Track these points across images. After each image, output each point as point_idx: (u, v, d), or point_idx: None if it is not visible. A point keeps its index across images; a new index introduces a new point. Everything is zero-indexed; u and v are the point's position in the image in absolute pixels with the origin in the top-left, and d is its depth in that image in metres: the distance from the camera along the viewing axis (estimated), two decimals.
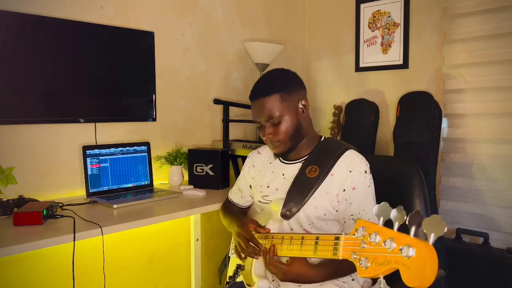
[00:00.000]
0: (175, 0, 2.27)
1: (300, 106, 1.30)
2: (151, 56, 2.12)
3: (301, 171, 1.30)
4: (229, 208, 1.60)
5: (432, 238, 0.69)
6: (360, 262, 0.80)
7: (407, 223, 0.74)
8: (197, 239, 2.29)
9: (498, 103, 2.20)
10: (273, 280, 1.32)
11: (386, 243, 0.76)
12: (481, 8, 2.21)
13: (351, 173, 1.25)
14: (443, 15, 2.38)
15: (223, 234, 2.40)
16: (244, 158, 2.37)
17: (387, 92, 2.65)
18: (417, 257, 0.70)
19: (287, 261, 1.16)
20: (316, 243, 1.03)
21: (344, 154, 1.28)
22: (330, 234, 0.99)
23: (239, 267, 1.42)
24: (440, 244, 2.06)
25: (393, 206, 1.33)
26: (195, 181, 2.13)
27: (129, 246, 2.08)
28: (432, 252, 0.68)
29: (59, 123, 1.86)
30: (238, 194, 1.58)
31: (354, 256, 0.83)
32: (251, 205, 1.60)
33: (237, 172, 2.41)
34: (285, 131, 1.27)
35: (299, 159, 1.34)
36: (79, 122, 1.89)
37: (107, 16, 2.00)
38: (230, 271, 1.49)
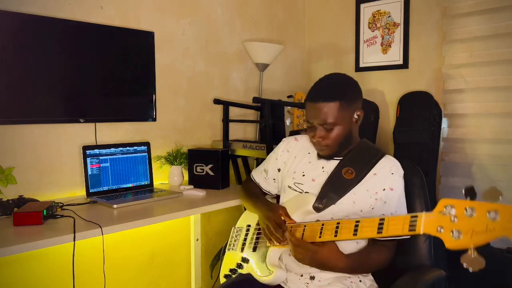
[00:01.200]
0: (175, 0, 2.27)
1: (355, 116, 1.32)
2: (151, 56, 2.12)
3: (338, 170, 1.33)
4: (252, 189, 1.61)
5: None
6: (452, 233, 0.91)
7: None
8: (197, 239, 2.29)
9: (498, 103, 2.20)
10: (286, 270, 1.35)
11: (490, 213, 0.86)
12: (481, 8, 2.21)
13: (393, 175, 1.30)
14: (443, 15, 2.38)
15: (223, 234, 2.40)
16: (244, 158, 2.39)
17: (387, 92, 2.65)
18: None
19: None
20: (381, 223, 1.09)
21: (383, 158, 1.33)
22: (402, 215, 1.08)
23: (245, 260, 1.44)
24: (440, 244, 2.06)
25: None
26: (195, 181, 2.13)
27: (129, 246, 2.08)
28: None
29: (59, 123, 1.87)
30: (263, 174, 1.59)
31: (441, 230, 0.93)
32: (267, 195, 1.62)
33: (237, 172, 2.41)
34: (335, 138, 1.29)
35: (340, 156, 1.37)
36: (79, 122, 1.89)
37: (107, 16, 2.00)
38: (230, 264, 1.50)
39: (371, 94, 2.68)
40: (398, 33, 2.56)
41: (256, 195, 1.57)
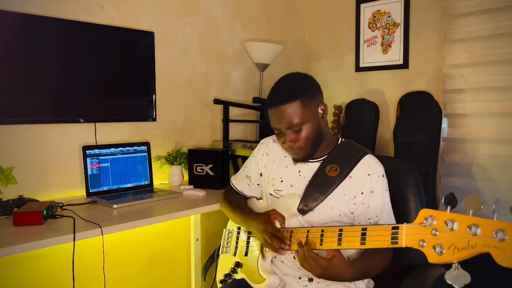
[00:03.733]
0: (175, 0, 2.27)
1: (320, 111, 1.27)
2: (151, 56, 2.12)
3: (321, 169, 1.29)
4: (235, 199, 1.54)
5: None
6: (435, 249, 0.84)
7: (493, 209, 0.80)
8: (197, 239, 2.29)
9: (498, 103, 2.20)
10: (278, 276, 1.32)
11: (471, 228, 0.80)
12: (481, 8, 2.21)
13: (370, 176, 1.25)
14: (443, 15, 2.38)
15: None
16: (244, 158, 2.39)
17: (387, 92, 2.65)
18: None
19: (294, 258, 1.16)
20: (364, 234, 1.04)
21: (364, 158, 1.28)
22: (384, 224, 1.03)
23: (238, 265, 1.42)
24: None
25: (395, 204, 1.33)
26: (195, 181, 2.13)
27: (129, 246, 2.08)
28: None
29: (59, 123, 1.86)
30: (245, 181, 1.53)
31: (423, 244, 0.87)
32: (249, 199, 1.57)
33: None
34: (306, 138, 1.25)
35: (316, 158, 1.33)
36: (79, 122, 1.89)
37: (107, 16, 2.00)
38: (224, 269, 1.48)
39: (371, 94, 2.69)
40: (398, 33, 2.56)
41: (241, 207, 1.48)
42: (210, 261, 1.69)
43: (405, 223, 0.95)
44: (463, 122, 2.33)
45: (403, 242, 0.94)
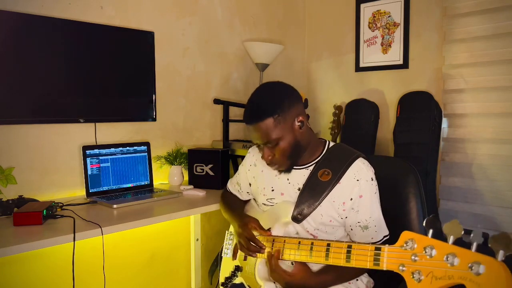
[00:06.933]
0: (175, 0, 2.27)
1: (297, 123, 1.25)
2: (151, 56, 2.12)
3: (313, 174, 1.29)
4: (229, 199, 1.58)
5: (500, 255, 0.71)
6: (413, 275, 0.81)
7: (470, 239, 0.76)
8: (197, 239, 2.29)
9: (498, 103, 2.20)
10: (274, 283, 1.32)
11: (448, 258, 0.76)
12: (481, 8, 2.21)
13: (359, 181, 1.24)
14: (443, 15, 2.38)
15: (223, 234, 2.39)
16: (244, 158, 2.38)
17: (387, 92, 2.65)
18: (488, 275, 0.70)
19: (292, 264, 1.17)
20: (349, 251, 1.04)
21: (355, 162, 1.27)
22: (367, 244, 1.01)
23: (238, 269, 1.41)
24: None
25: (390, 206, 1.33)
26: (195, 181, 2.13)
27: (129, 246, 2.08)
28: (506, 271, 0.69)
29: (59, 123, 1.87)
30: (236, 187, 1.58)
31: (403, 268, 0.85)
32: (249, 201, 1.58)
33: None
34: (283, 152, 1.25)
35: (304, 165, 1.32)
36: (79, 122, 1.89)
37: (107, 16, 2.00)
38: (225, 272, 1.48)
39: (371, 94, 2.69)
40: (398, 33, 2.56)
41: (231, 207, 1.52)
42: (215, 264, 1.68)
43: (387, 245, 0.93)
44: (463, 122, 2.33)
45: (384, 265, 0.92)
